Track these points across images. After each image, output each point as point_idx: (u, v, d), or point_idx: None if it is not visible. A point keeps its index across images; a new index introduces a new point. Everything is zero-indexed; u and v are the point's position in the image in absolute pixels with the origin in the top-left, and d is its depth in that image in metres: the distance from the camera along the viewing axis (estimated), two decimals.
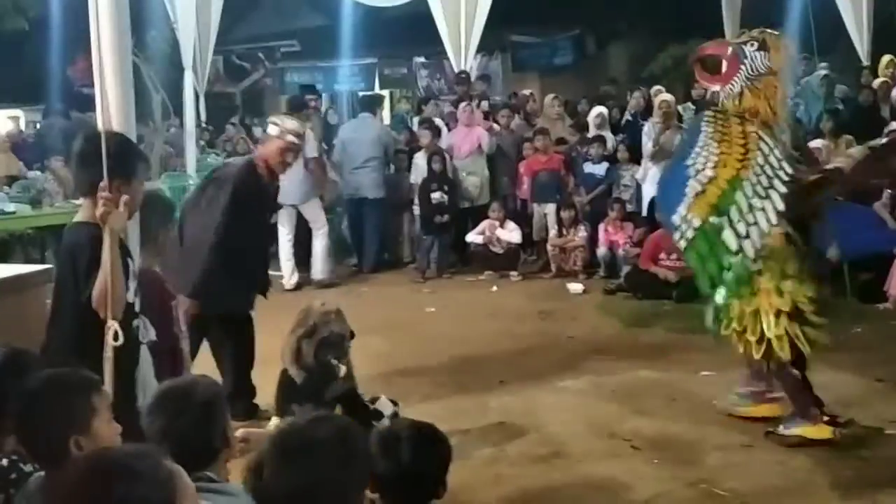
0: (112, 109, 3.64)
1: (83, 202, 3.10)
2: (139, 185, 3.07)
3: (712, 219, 4.18)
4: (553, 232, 9.26)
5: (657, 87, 11.45)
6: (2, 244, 8.37)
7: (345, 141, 9.84)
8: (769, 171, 4.21)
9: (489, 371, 5.78)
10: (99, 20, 3.47)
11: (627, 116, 10.84)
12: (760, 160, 4.24)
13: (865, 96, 9.53)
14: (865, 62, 10.75)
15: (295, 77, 19.91)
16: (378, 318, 6.93)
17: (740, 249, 4.15)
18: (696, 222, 4.24)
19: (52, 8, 12.26)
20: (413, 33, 14.14)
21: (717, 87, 4.82)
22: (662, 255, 8.18)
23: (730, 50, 4.66)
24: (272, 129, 5.10)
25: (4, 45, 14.44)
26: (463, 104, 9.96)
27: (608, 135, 10.01)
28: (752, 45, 4.58)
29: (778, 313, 4.38)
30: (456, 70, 11.39)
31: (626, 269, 8.49)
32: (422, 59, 18.08)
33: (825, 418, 4.58)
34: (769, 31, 4.74)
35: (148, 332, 3.38)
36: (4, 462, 2.39)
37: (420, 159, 9.73)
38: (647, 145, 9.08)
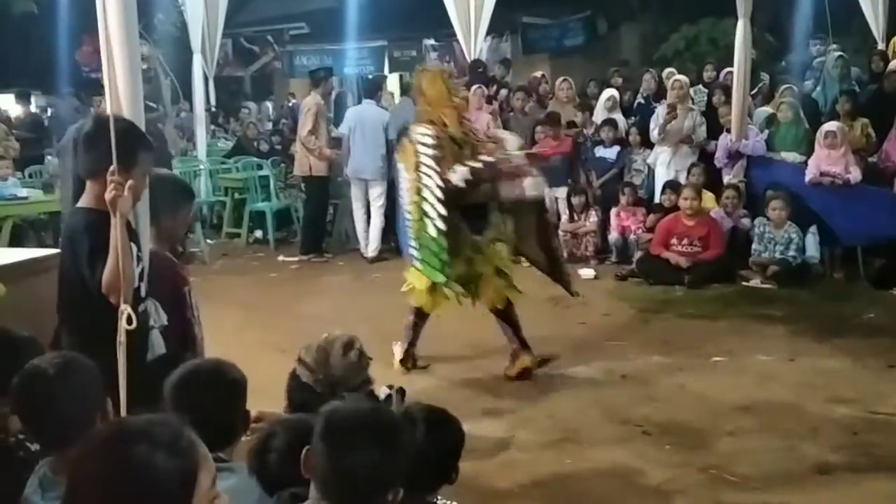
0: (121, 94, 3.61)
1: (87, 186, 3.09)
2: (140, 174, 3.01)
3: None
4: (564, 217, 9.20)
5: (669, 69, 11.36)
6: (15, 229, 8.37)
7: (351, 126, 9.73)
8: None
9: (500, 356, 5.76)
10: (105, 3, 3.43)
11: (639, 99, 10.75)
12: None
13: (892, 81, 9.31)
14: (881, 43, 10.62)
15: (304, 60, 19.87)
16: (389, 305, 6.91)
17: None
18: (414, 242, 5.32)
19: None
20: (422, 15, 14.07)
21: None
22: (674, 241, 8.14)
23: None
24: None
25: (14, 29, 14.42)
26: (474, 87, 9.88)
27: (619, 118, 9.92)
28: None
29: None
30: (467, 55, 11.31)
31: (638, 254, 8.44)
32: (431, 42, 18.00)
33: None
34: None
35: (160, 316, 3.38)
36: (12, 441, 2.40)
37: None
38: (654, 131, 9.01)
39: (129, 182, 2.88)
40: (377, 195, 9.34)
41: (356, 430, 1.99)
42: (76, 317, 3.11)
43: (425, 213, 5.19)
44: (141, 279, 3.12)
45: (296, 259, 9.62)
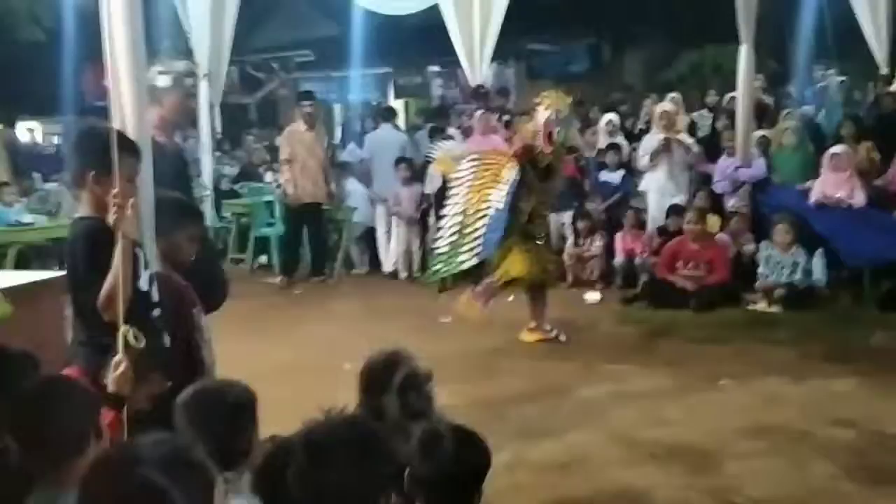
0: (128, 118, 3.64)
1: (81, 196, 3.11)
2: (124, 180, 3.00)
3: None
4: (570, 241, 9.21)
5: (672, 94, 11.41)
6: (19, 255, 8.40)
7: (373, 150, 10.35)
8: None
9: (507, 380, 5.75)
10: (112, 29, 3.46)
11: (640, 125, 10.80)
12: None
13: (888, 103, 9.42)
14: (884, 69, 10.67)
15: (309, 87, 20.01)
16: (395, 328, 6.91)
17: None
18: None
19: (67, 17, 12.31)
20: (427, 42, 14.14)
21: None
22: (680, 264, 8.13)
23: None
24: (164, 81, 4.46)
25: (20, 57, 14.50)
26: (479, 112, 9.94)
27: (623, 142, 9.95)
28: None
29: None
30: (471, 81, 11.38)
31: (643, 277, 8.43)
32: (436, 69, 18.10)
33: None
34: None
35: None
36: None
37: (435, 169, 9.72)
38: (644, 158, 9.02)
39: (132, 199, 2.89)
40: None
41: (335, 446, 1.98)
42: (86, 329, 3.11)
43: None
44: (151, 283, 3.13)
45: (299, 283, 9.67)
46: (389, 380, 3.09)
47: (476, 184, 6.62)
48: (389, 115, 11.23)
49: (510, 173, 6.47)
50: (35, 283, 4.17)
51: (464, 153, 7.04)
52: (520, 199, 6.53)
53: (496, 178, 6.54)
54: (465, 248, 6.56)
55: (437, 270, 6.90)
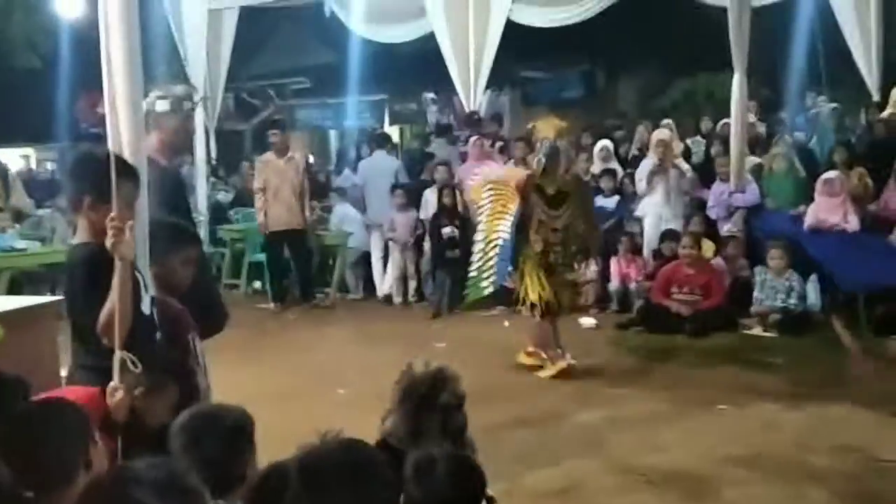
0: (125, 144, 3.65)
1: (78, 221, 3.11)
2: (122, 204, 2.99)
3: None
4: None
5: (666, 120, 11.48)
6: (12, 281, 8.37)
7: (366, 176, 10.44)
8: None
9: (503, 406, 5.73)
10: (110, 54, 3.47)
11: (633, 150, 10.86)
12: None
13: (878, 130, 9.52)
14: (875, 95, 10.75)
15: (305, 114, 20.09)
16: (389, 353, 6.88)
17: None
18: None
19: (63, 44, 12.35)
20: (422, 69, 14.21)
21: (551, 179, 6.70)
22: (675, 289, 8.14)
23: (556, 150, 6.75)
24: (163, 105, 4.41)
25: (16, 83, 14.52)
26: (473, 138, 10.01)
27: (617, 167, 10.00)
28: (559, 139, 7.04)
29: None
30: (466, 108, 11.45)
31: (638, 302, 8.43)
32: (431, 95, 18.17)
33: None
34: (561, 122, 6.65)
35: None
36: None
37: (430, 194, 9.77)
38: (641, 183, 9.06)
39: (129, 223, 2.88)
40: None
41: (330, 470, 1.97)
42: (86, 354, 3.10)
43: None
44: (153, 305, 3.13)
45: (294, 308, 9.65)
46: (434, 399, 3.04)
47: (491, 213, 6.78)
48: (384, 141, 11.33)
49: (514, 204, 6.59)
50: (27, 307, 4.15)
51: (500, 178, 7.10)
52: (529, 230, 6.62)
53: (504, 208, 6.66)
54: (486, 274, 6.75)
55: (468, 295, 7.19)
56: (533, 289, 6.61)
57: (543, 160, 6.63)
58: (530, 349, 6.93)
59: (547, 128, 6.74)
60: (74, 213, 3.08)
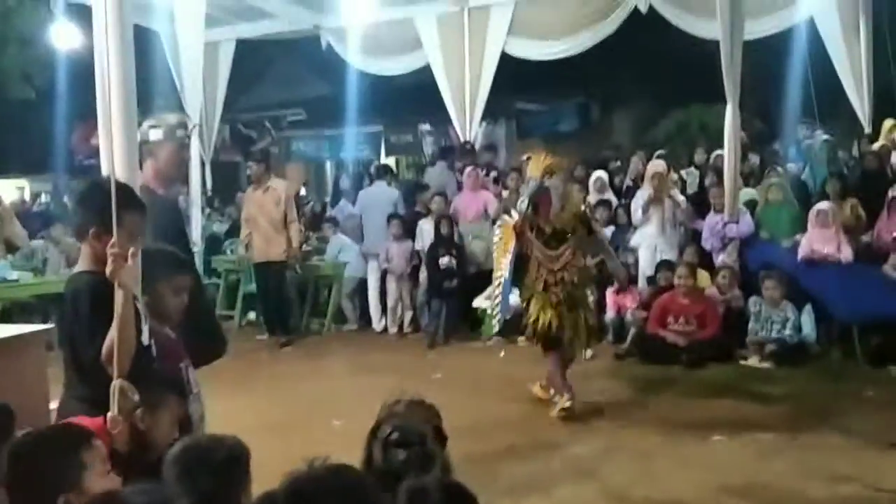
0: (119, 175, 3.67)
1: (82, 248, 3.11)
2: (125, 235, 3.01)
3: None
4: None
5: (660, 150, 11.54)
6: (4, 312, 8.36)
7: (364, 206, 10.48)
8: None
9: (498, 437, 5.70)
10: (105, 86, 3.49)
11: (627, 182, 10.91)
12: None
13: (869, 161, 9.58)
14: (867, 127, 10.83)
15: (301, 145, 20.15)
16: (384, 385, 6.84)
17: None
18: None
19: (59, 76, 12.40)
20: (418, 101, 14.29)
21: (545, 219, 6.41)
22: (670, 319, 8.13)
23: (542, 190, 6.35)
24: (156, 134, 4.44)
25: (11, 115, 14.57)
26: (469, 169, 10.05)
27: (612, 198, 10.04)
28: (547, 177, 6.31)
29: None
30: (461, 139, 11.51)
31: (632, 332, 8.42)
32: (427, 127, 18.27)
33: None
34: (550, 158, 6.48)
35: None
36: None
37: (426, 225, 9.79)
38: (637, 213, 9.09)
39: (131, 250, 2.88)
40: None
41: (319, 495, 1.95)
42: (82, 385, 3.08)
43: None
44: (151, 337, 3.12)
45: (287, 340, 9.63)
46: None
47: (497, 250, 6.75)
48: (384, 172, 11.43)
49: (512, 243, 6.51)
50: (16, 336, 4.12)
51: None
52: (530, 268, 6.50)
53: (506, 245, 6.59)
54: (495, 311, 6.72)
55: (483, 330, 7.54)
56: (535, 320, 6.47)
57: (526, 201, 6.39)
58: (545, 382, 6.78)
59: (535, 166, 6.45)
60: (80, 241, 3.09)
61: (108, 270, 2.85)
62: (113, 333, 2.85)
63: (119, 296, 2.85)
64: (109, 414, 2.81)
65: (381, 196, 10.49)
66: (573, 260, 6.42)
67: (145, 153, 4.37)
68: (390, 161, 17.48)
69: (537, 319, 6.41)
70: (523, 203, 6.45)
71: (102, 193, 2.99)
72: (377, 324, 10.12)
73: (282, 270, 9.67)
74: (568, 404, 6.25)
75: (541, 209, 6.38)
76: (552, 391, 6.59)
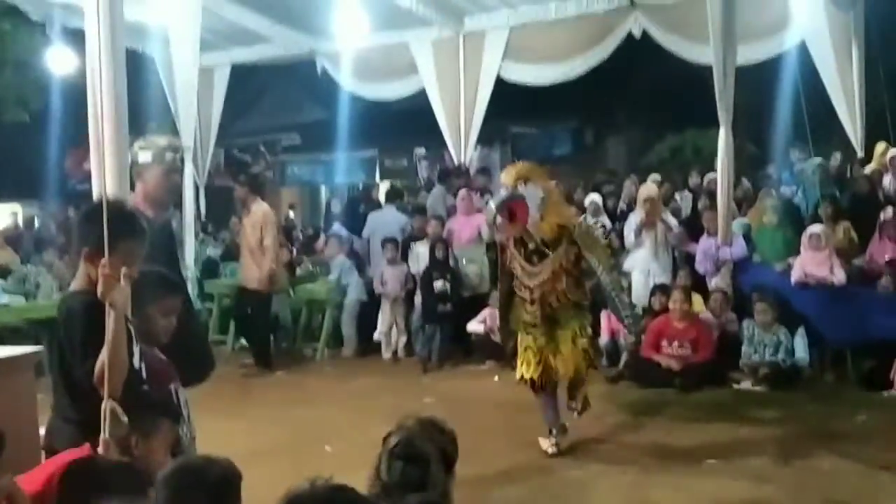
0: (110, 196, 3.67)
1: (79, 267, 3.12)
2: (119, 259, 2.99)
3: None
4: None
5: (654, 174, 11.59)
6: None
7: (374, 230, 10.53)
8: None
9: (492, 461, 5.67)
10: (98, 108, 3.51)
11: (622, 206, 10.94)
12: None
13: (860, 185, 9.64)
14: (859, 151, 10.89)
15: (296, 170, 20.21)
16: (377, 409, 6.83)
17: None
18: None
19: (54, 100, 12.44)
20: (413, 125, 14.37)
21: (522, 227, 5.82)
22: (664, 343, 8.12)
23: (516, 200, 5.71)
24: (145, 156, 4.32)
25: (5, 139, 14.57)
26: (462, 192, 10.07)
27: (606, 221, 10.06)
28: (521, 184, 5.71)
29: None
30: (455, 162, 11.55)
31: (625, 356, 8.41)
32: (422, 151, 18.34)
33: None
34: (524, 164, 6.08)
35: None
36: None
37: (421, 248, 9.79)
38: (629, 236, 9.11)
39: (124, 270, 2.88)
40: None
41: None
42: (71, 406, 3.07)
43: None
44: (141, 359, 3.11)
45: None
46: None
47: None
48: (394, 196, 11.52)
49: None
50: (6, 358, 4.10)
51: None
52: (514, 287, 6.08)
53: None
54: None
55: None
56: (521, 361, 6.11)
57: (494, 209, 5.86)
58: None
59: (506, 175, 5.95)
60: (80, 261, 3.10)
61: (99, 291, 2.85)
62: (104, 355, 2.84)
63: (111, 317, 2.85)
64: (102, 437, 2.80)
65: (391, 220, 10.57)
66: (553, 279, 5.86)
67: (135, 175, 4.36)
68: (384, 185, 17.54)
69: (520, 362, 6.11)
70: (490, 212, 5.99)
71: (101, 215, 3.00)
72: (386, 350, 9.93)
73: (255, 297, 9.43)
74: (551, 450, 5.97)
75: (517, 218, 5.77)
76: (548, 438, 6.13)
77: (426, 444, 2.92)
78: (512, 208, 5.74)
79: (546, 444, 6.04)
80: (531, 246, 5.89)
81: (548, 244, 5.87)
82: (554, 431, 6.09)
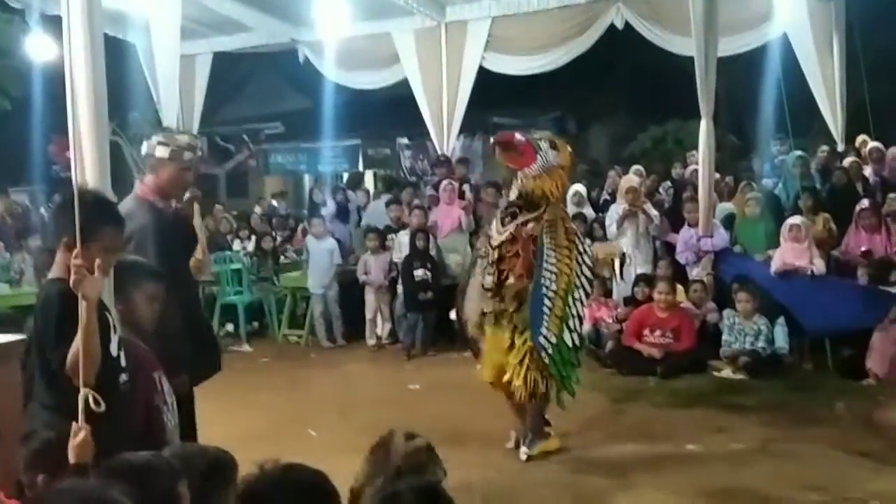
0: (89, 184, 3.68)
1: (56, 256, 3.11)
2: (100, 248, 2.99)
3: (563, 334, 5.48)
4: None
5: (636, 166, 11.64)
6: None
7: (371, 220, 10.69)
8: (586, 263, 5.62)
9: (473, 448, 5.71)
10: (75, 94, 3.50)
11: (605, 196, 10.99)
12: (577, 255, 5.58)
13: (838, 177, 9.74)
14: (840, 144, 10.98)
15: (279, 158, 20.14)
16: (362, 396, 6.88)
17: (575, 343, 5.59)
18: (553, 339, 5.46)
19: (35, 87, 12.33)
20: (396, 115, 14.35)
21: (517, 168, 5.63)
22: (646, 332, 8.19)
23: (525, 140, 5.56)
24: (162, 152, 4.35)
25: None
26: (444, 182, 10.10)
27: (589, 212, 10.11)
28: (545, 142, 5.58)
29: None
30: (438, 152, 11.56)
31: (609, 344, 8.47)
32: (405, 140, 18.32)
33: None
34: (554, 136, 5.78)
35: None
36: None
37: (403, 237, 9.81)
38: (611, 227, 9.17)
39: (97, 262, 2.87)
40: None
41: (273, 494, 1.98)
42: (45, 395, 3.07)
43: (567, 319, 5.50)
44: (120, 348, 3.11)
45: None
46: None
47: None
48: (390, 186, 11.65)
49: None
50: None
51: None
52: (480, 256, 5.82)
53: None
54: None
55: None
56: (486, 364, 5.87)
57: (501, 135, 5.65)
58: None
59: (541, 133, 5.81)
60: (57, 250, 3.09)
61: (71, 281, 2.84)
62: (77, 343, 2.84)
63: (83, 306, 2.84)
64: (74, 424, 2.79)
65: (384, 211, 10.68)
66: (512, 242, 5.55)
67: (149, 167, 4.39)
68: (368, 174, 17.54)
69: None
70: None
71: (79, 204, 2.99)
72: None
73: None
74: (523, 457, 5.68)
75: (516, 151, 5.53)
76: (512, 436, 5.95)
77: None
78: (516, 142, 5.53)
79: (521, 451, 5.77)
80: (513, 197, 5.69)
81: (526, 203, 5.60)
82: (513, 435, 5.90)
